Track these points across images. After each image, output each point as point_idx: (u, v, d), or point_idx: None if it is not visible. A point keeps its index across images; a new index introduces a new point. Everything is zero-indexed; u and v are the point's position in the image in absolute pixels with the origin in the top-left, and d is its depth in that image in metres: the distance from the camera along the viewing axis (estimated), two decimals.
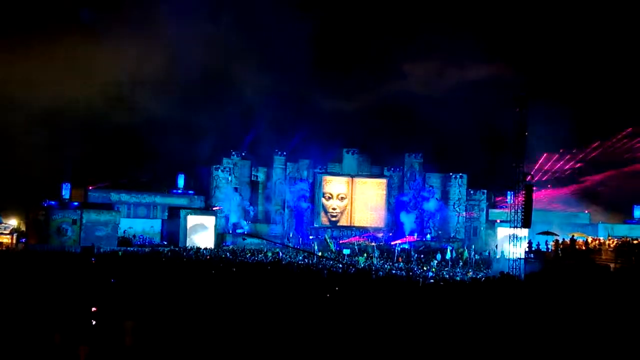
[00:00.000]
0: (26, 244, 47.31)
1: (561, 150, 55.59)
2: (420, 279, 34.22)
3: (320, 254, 48.14)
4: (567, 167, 55.86)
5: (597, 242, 34.03)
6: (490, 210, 60.22)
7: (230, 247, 51.40)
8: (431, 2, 58.11)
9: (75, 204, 49.60)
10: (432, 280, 30.69)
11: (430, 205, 59.85)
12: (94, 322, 16.62)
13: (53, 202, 48.88)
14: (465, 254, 50.15)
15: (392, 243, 55.63)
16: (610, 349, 14.26)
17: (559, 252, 34.93)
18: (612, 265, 29.77)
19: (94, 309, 19.01)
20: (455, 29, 55.75)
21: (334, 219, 59.94)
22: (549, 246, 36.71)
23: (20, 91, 50.41)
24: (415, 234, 58.53)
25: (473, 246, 55.14)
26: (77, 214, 48.16)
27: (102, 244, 46.68)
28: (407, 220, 59.83)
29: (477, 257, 51.55)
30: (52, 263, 32.50)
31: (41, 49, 50.66)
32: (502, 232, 51.84)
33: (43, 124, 51.06)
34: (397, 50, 61.39)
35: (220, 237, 53.39)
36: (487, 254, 52.66)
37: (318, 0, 56.76)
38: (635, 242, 30.61)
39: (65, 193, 49.99)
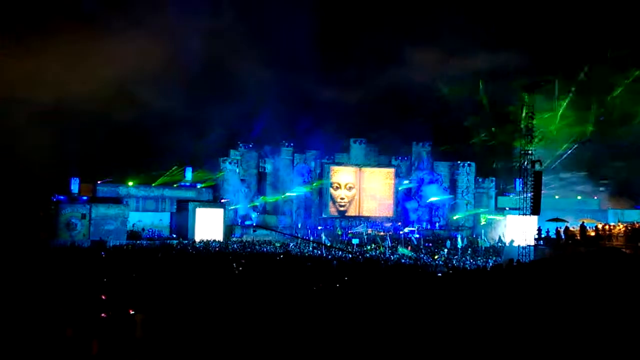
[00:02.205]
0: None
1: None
2: (431, 268, 34.26)
3: (329, 244, 48.21)
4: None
5: (607, 228, 33.90)
6: (499, 198, 60.07)
7: (240, 238, 51.58)
8: None
9: (84, 198, 49.85)
10: (440, 273, 30.54)
11: (432, 189, 59.52)
12: (104, 315, 16.70)
13: (62, 197, 49.15)
14: (481, 242, 50.19)
15: (401, 232, 55.63)
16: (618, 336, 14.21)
17: (569, 238, 34.84)
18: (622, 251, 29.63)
19: (103, 297, 19.13)
20: (460, 14, 55.50)
21: (342, 208, 59.92)
22: (560, 233, 36.61)
23: (26, 87, 50.60)
24: (414, 224, 58.32)
25: (482, 232, 55.16)
26: (86, 209, 48.41)
27: (111, 237, 46.95)
28: (410, 207, 59.89)
29: (487, 244, 51.61)
30: (63, 257, 32.69)
31: (46, 44, 50.78)
32: (512, 219, 51.75)
33: (51, 119, 51.21)
34: (402, 38, 61.19)
35: (229, 229, 53.51)
36: (496, 242, 52.69)
37: None
38: None
39: (74, 188, 50.21)
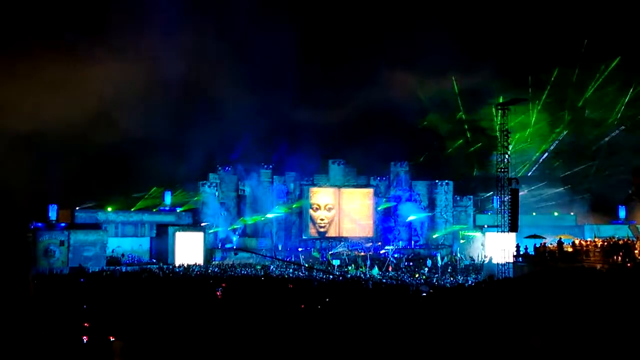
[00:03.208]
0: None
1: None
2: (412, 287, 34.44)
3: (308, 265, 48.28)
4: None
5: (584, 243, 34.43)
6: (477, 216, 60.52)
7: (221, 262, 51.36)
8: (409, 10, 58.43)
9: (62, 224, 49.28)
10: (424, 293, 30.62)
11: (408, 208, 59.76)
12: (84, 340, 16.56)
13: (40, 224, 48.57)
14: (460, 260, 50.55)
15: (381, 252, 55.81)
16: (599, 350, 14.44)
17: (547, 255, 35.28)
18: (599, 266, 30.10)
19: (86, 324, 18.96)
20: (434, 35, 56.22)
21: (322, 229, 59.92)
22: (540, 250, 37.05)
23: (1, 113, 50.13)
24: (394, 243, 58.55)
25: (457, 250, 55.56)
26: (64, 235, 47.87)
27: (90, 264, 46.44)
28: (389, 226, 60.29)
29: (466, 262, 51.99)
30: (42, 285, 32.33)
31: (22, 70, 50.48)
32: (490, 237, 52.17)
33: (27, 145, 50.77)
34: (378, 58, 61.81)
35: (209, 252, 53.26)
36: (476, 259, 53.13)
37: (297, 12, 56.93)
38: (620, 242, 31.01)
39: (52, 214, 49.58)
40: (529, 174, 57.64)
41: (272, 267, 49.14)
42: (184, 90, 56.47)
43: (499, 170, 39.18)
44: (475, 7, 58.09)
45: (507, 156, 39.36)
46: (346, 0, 59.29)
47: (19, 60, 50.13)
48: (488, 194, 58.70)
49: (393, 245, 58.06)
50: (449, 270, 47.22)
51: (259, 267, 49.20)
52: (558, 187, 57.67)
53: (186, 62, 56.16)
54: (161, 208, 55.74)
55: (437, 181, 60.75)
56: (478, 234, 56.81)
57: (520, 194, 39.24)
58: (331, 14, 59.13)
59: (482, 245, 55.29)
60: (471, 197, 60.76)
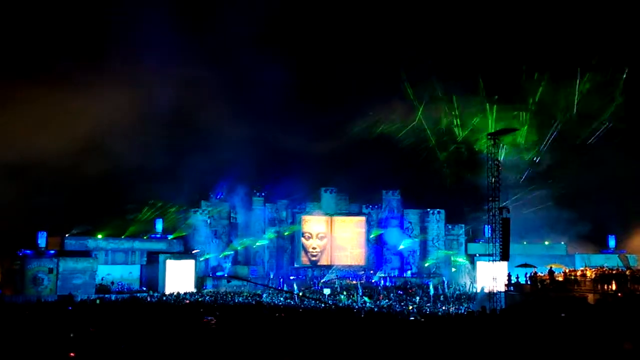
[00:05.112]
0: (1, 296, 46.28)
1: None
2: (401, 316, 34.30)
3: (301, 293, 48.05)
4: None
5: (574, 273, 34.50)
6: (469, 244, 60.48)
7: (212, 290, 51.07)
8: (399, 42, 58.89)
9: (52, 252, 48.84)
10: (412, 318, 30.60)
11: (394, 234, 59.70)
12: None
13: (28, 251, 48.10)
14: (449, 291, 50.40)
15: (372, 280, 55.71)
16: None
17: (538, 284, 35.30)
18: (590, 295, 30.13)
19: (72, 354, 18.70)
20: (426, 62, 56.67)
21: (314, 258, 59.82)
22: (528, 279, 37.09)
23: None
24: (385, 271, 58.43)
25: (446, 280, 55.35)
26: (53, 263, 47.44)
27: (79, 292, 45.98)
28: (380, 255, 60.37)
29: (458, 291, 51.86)
30: (28, 314, 31.89)
31: (13, 98, 50.57)
32: (481, 266, 52.17)
33: (16, 172, 50.60)
34: (369, 87, 62.05)
35: (200, 280, 52.98)
36: (467, 288, 53.04)
37: (289, 43, 57.49)
38: (610, 272, 31.09)
39: (41, 241, 49.12)
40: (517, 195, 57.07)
41: (264, 295, 48.88)
42: (177, 119, 56.67)
43: (490, 199, 39.30)
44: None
45: (498, 185, 39.53)
46: (336, 31, 59.76)
47: (11, 89, 50.23)
48: (478, 215, 58.31)
49: (385, 273, 57.96)
50: (440, 299, 47.07)
51: (246, 293, 49.18)
52: (549, 209, 57.04)
53: (179, 92, 56.48)
54: (152, 235, 55.45)
55: (428, 210, 60.78)
56: (463, 260, 56.94)
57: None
58: (322, 45, 59.65)
59: (469, 272, 55.44)
60: (462, 225, 60.75)
